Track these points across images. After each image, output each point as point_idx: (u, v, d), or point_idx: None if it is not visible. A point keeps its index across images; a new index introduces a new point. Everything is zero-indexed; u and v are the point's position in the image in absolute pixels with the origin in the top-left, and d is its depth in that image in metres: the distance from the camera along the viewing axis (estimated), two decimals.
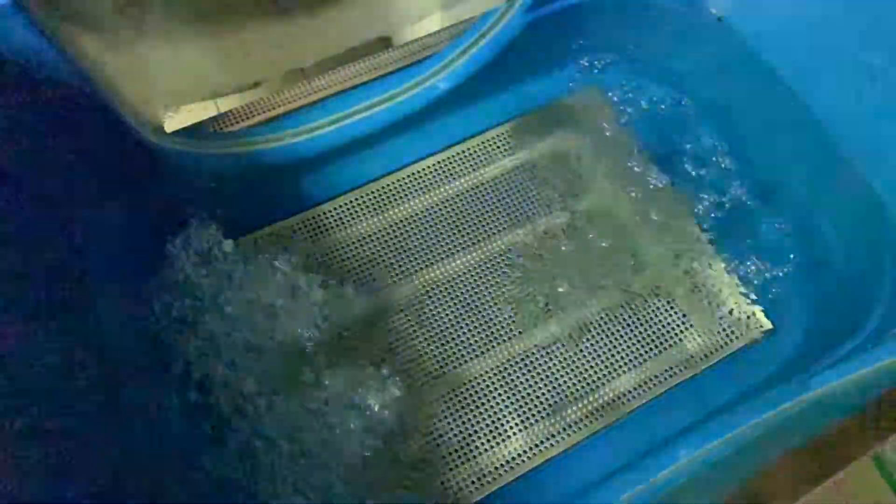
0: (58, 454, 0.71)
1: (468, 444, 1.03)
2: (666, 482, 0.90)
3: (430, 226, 1.18)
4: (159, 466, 0.89)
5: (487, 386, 1.07)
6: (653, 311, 1.13)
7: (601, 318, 1.12)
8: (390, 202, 1.20)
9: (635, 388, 1.07)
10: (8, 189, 0.83)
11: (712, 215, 1.20)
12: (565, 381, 1.08)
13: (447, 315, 1.11)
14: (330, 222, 1.17)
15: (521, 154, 1.26)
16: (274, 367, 0.99)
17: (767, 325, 1.12)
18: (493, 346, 1.09)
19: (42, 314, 0.82)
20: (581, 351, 1.10)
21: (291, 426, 0.96)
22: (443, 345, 1.09)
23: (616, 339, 1.11)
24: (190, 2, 0.91)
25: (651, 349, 1.10)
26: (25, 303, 0.79)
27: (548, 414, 1.05)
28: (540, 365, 1.08)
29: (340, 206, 1.19)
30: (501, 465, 1.02)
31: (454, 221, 1.19)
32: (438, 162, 1.24)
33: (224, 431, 0.96)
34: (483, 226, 1.19)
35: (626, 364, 1.09)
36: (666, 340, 1.11)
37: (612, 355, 1.10)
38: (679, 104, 1.28)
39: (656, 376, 1.08)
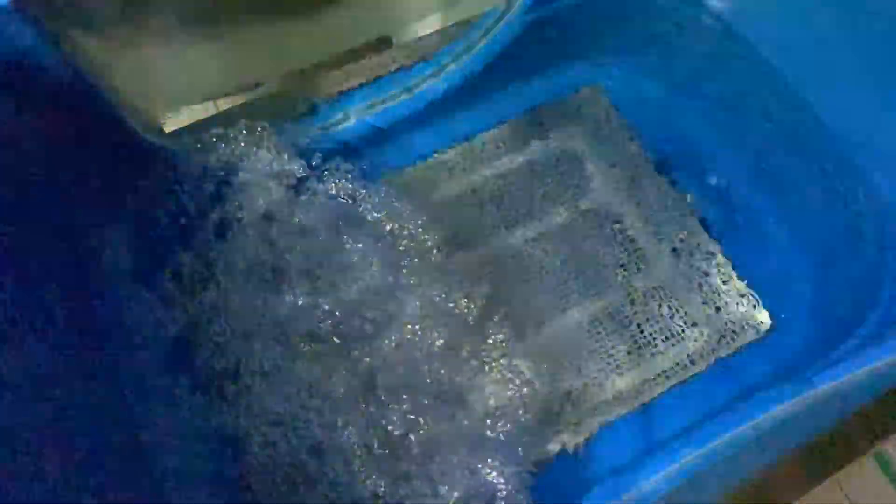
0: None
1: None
2: (666, 482, 0.89)
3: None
4: None
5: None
6: (653, 309, 1.13)
7: (600, 317, 1.12)
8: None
9: (635, 388, 1.07)
10: (9, 189, 0.83)
11: (712, 214, 1.19)
12: (563, 383, 1.07)
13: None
14: None
15: (520, 154, 1.25)
16: None
17: (768, 323, 1.12)
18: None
19: (48, 317, 0.82)
20: (575, 354, 1.09)
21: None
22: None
23: (616, 337, 1.11)
24: (190, 3, 0.91)
25: (651, 348, 1.10)
26: (30, 304, 0.79)
27: (546, 415, 1.05)
28: (521, 371, 1.08)
29: None
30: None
31: (453, 222, 1.18)
32: (437, 162, 1.24)
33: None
34: (482, 226, 1.19)
35: (626, 363, 1.09)
36: (666, 339, 1.11)
37: (612, 354, 1.09)
38: (679, 103, 1.28)
39: (656, 375, 1.08)
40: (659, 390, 1.07)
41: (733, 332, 1.11)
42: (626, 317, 1.12)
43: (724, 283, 1.15)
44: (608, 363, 1.09)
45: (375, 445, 0.96)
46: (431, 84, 1.20)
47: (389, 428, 0.96)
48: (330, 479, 0.95)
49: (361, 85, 1.20)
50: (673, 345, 1.10)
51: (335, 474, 0.95)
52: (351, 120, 1.19)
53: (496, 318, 1.07)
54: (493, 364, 1.04)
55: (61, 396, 0.77)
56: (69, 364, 0.82)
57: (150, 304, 1.01)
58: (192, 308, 1.02)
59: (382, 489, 0.94)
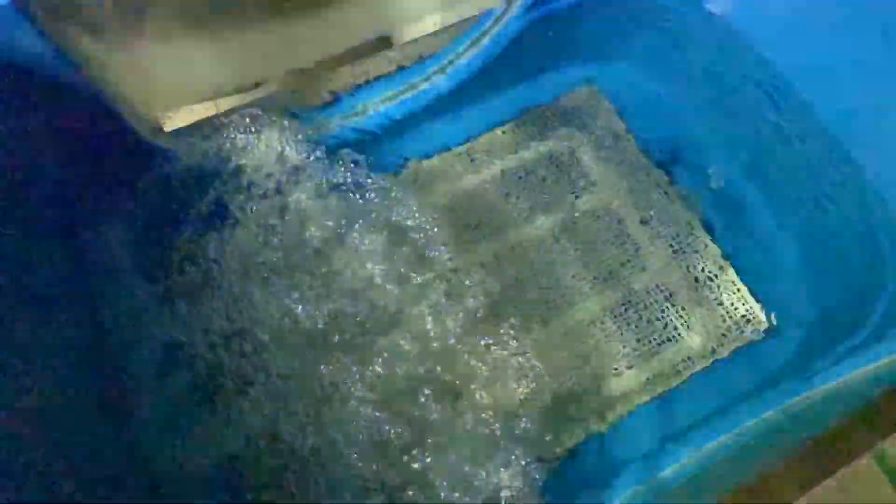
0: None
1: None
2: (668, 481, 0.89)
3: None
4: None
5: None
6: (653, 309, 1.13)
7: (601, 317, 1.12)
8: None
9: (636, 387, 1.07)
10: (9, 186, 0.83)
11: (712, 213, 1.19)
12: (563, 383, 1.07)
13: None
14: None
15: (521, 153, 1.25)
16: None
17: (769, 323, 1.12)
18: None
19: (46, 311, 0.82)
20: (578, 351, 1.09)
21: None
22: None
23: (616, 337, 1.11)
24: (190, 3, 0.91)
25: (652, 348, 1.10)
26: (31, 297, 0.79)
27: (558, 410, 1.05)
28: (532, 367, 1.08)
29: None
30: None
31: (458, 218, 1.18)
32: (438, 161, 1.24)
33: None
34: (486, 223, 1.18)
35: (626, 362, 1.09)
36: (667, 339, 1.11)
37: (612, 354, 1.09)
38: (679, 103, 1.28)
39: (657, 375, 1.08)
40: (659, 390, 1.07)
41: (734, 331, 1.11)
42: (628, 315, 1.12)
43: (724, 283, 1.15)
44: (611, 361, 1.09)
45: (383, 443, 0.95)
46: (431, 84, 1.20)
47: (399, 426, 0.96)
48: (335, 481, 0.94)
49: (360, 85, 1.20)
50: (673, 344, 1.10)
51: (342, 475, 0.94)
52: (349, 119, 1.19)
53: (508, 314, 1.07)
54: (507, 359, 1.04)
55: (57, 391, 0.77)
56: (66, 358, 0.82)
57: (149, 301, 1.01)
58: (192, 304, 1.02)
59: (392, 489, 0.93)
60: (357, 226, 1.08)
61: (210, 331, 1.01)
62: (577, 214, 1.20)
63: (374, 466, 0.94)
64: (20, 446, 0.66)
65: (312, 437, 0.96)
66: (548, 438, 1.02)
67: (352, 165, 1.14)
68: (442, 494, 0.93)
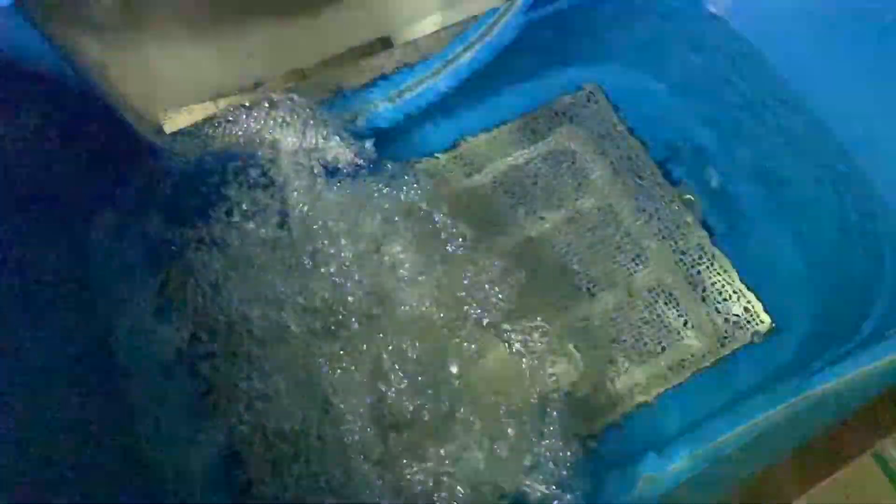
0: None
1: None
2: (666, 482, 0.90)
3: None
4: None
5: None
6: (653, 309, 1.13)
7: (601, 317, 1.12)
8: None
9: (635, 388, 1.07)
10: (10, 187, 0.83)
11: (713, 214, 1.19)
12: (563, 384, 1.07)
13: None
14: None
15: (521, 153, 1.25)
16: None
17: (768, 323, 1.12)
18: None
19: (46, 311, 0.82)
20: (578, 352, 1.09)
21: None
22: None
23: (616, 338, 1.11)
24: (190, 3, 0.92)
25: (651, 348, 1.10)
26: (30, 299, 0.80)
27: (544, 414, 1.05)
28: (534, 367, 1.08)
29: None
30: None
31: (452, 223, 1.18)
32: (437, 162, 1.24)
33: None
34: (481, 227, 1.18)
35: (625, 363, 1.09)
36: (666, 339, 1.11)
37: (612, 355, 1.09)
38: (679, 103, 1.28)
39: (656, 375, 1.08)
40: (659, 391, 1.07)
41: (734, 332, 1.11)
42: (626, 317, 1.12)
43: (724, 283, 1.15)
44: (605, 364, 1.09)
45: (395, 440, 0.95)
46: (431, 84, 1.20)
47: (412, 422, 0.95)
48: (341, 482, 0.94)
49: (362, 85, 1.20)
50: (672, 345, 1.10)
51: (348, 475, 0.94)
52: (350, 118, 1.19)
53: (523, 310, 1.07)
54: (530, 348, 1.05)
55: (56, 393, 0.77)
56: (66, 358, 0.82)
57: (150, 299, 1.01)
58: (192, 302, 1.02)
59: (404, 489, 0.92)
60: (365, 220, 1.08)
61: (212, 328, 1.01)
62: (577, 215, 1.20)
63: (387, 463, 0.93)
64: (18, 446, 0.66)
65: (317, 435, 0.95)
66: (571, 430, 1.02)
67: (356, 159, 1.14)
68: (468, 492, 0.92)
